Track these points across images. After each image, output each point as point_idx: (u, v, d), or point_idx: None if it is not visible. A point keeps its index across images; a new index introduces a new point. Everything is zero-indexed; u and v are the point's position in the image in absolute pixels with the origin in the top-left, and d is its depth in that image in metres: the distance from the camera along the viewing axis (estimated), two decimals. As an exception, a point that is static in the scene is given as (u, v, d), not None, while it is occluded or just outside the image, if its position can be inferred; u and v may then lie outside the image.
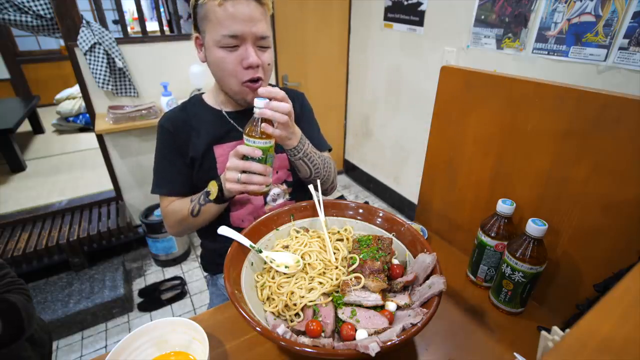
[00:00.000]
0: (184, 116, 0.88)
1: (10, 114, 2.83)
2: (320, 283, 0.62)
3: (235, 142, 0.87)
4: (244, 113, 0.88)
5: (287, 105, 0.70)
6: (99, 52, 1.69)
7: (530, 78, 0.68)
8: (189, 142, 0.85)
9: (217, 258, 0.96)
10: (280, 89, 0.95)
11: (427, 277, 0.62)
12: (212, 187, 0.78)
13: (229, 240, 0.67)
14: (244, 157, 0.69)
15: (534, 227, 0.62)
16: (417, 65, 2.11)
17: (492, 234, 0.71)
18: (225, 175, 0.73)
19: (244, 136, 0.69)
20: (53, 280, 1.82)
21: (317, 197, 0.77)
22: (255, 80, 0.78)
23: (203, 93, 0.93)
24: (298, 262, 0.65)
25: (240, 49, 0.75)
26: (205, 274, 1.08)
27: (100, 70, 1.72)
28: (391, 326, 0.55)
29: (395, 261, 0.68)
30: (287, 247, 0.70)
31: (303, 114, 0.96)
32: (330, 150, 1.01)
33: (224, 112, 0.88)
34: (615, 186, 0.58)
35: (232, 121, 0.87)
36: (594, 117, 0.59)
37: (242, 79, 0.77)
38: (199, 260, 2.14)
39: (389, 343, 0.48)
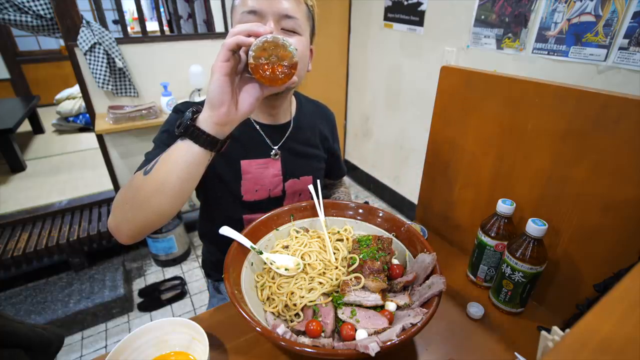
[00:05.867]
0: None
1: (10, 114, 2.83)
2: (320, 283, 0.62)
3: (265, 160, 0.80)
4: (277, 128, 0.82)
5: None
6: (99, 52, 1.69)
7: (530, 78, 0.68)
8: None
9: (220, 264, 0.90)
10: (310, 100, 0.96)
11: (427, 277, 0.62)
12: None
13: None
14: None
15: (534, 227, 0.62)
16: (417, 65, 2.11)
17: (492, 234, 0.71)
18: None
19: None
20: (53, 280, 1.82)
21: (317, 197, 0.77)
22: None
23: None
24: (298, 264, 0.65)
25: None
26: (207, 279, 1.04)
27: (100, 70, 1.72)
28: (391, 326, 0.55)
29: (395, 261, 0.68)
30: (287, 247, 0.70)
31: (335, 138, 0.98)
32: (344, 174, 1.06)
33: (253, 122, 0.80)
34: (615, 186, 0.58)
35: (263, 134, 0.80)
36: (594, 117, 0.59)
37: None
38: (199, 261, 2.14)
39: (388, 343, 0.48)
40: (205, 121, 0.53)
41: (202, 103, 0.80)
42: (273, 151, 0.81)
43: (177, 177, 0.54)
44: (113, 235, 0.60)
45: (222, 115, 0.52)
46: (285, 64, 0.51)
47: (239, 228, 0.69)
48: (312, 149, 0.88)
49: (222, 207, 0.83)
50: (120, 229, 0.59)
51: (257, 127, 0.80)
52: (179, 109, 0.76)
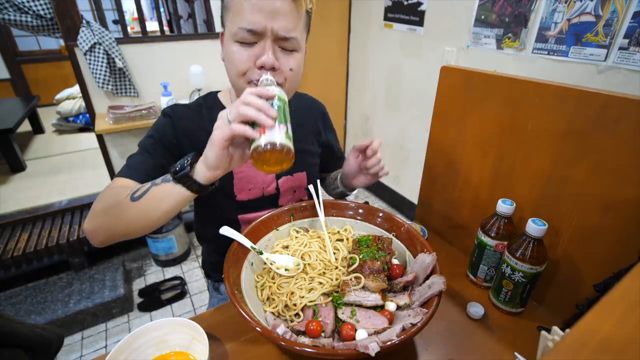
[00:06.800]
0: (195, 116, 0.77)
1: (10, 114, 2.83)
2: (320, 283, 0.62)
3: None
4: None
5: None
6: (99, 52, 1.69)
7: (530, 78, 0.68)
8: (196, 144, 0.69)
9: (219, 265, 0.88)
10: (298, 96, 0.94)
11: (427, 277, 0.62)
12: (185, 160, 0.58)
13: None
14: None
15: (534, 227, 0.62)
16: (417, 65, 2.11)
17: (492, 234, 0.71)
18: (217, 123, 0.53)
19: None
20: (53, 280, 1.82)
21: (317, 197, 0.77)
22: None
23: (219, 91, 0.84)
24: (298, 265, 0.65)
25: (258, 45, 0.64)
26: (207, 279, 1.03)
27: (100, 70, 1.72)
28: (391, 326, 0.55)
29: (395, 261, 0.68)
30: (287, 247, 0.70)
31: (328, 129, 0.96)
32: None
33: None
34: (615, 186, 0.58)
35: None
36: (594, 117, 0.59)
37: (250, 77, 0.65)
38: (199, 261, 2.14)
39: (388, 343, 0.48)
40: (200, 175, 0.56)
41: (190, 106, 0.81)
42: None
43: (164, 210, 0.59)
44: (87, 238, 0.64)
45: (218, 175, 0.56)
46: (285, 165, 0.54)
47: (235, 229, 0.69)
48: (303, 145, 0.87)
49: (216, 208, 0.83)
50: (97, 234, 0.64)
51: None
52: (167, 113, 0.77)
